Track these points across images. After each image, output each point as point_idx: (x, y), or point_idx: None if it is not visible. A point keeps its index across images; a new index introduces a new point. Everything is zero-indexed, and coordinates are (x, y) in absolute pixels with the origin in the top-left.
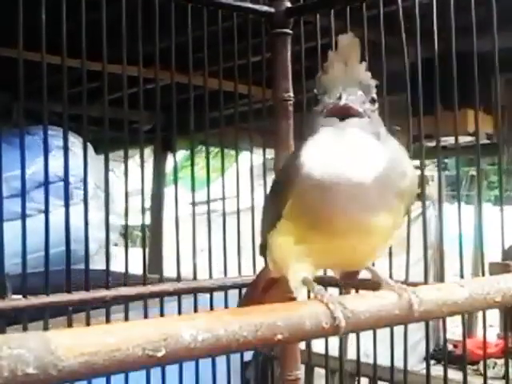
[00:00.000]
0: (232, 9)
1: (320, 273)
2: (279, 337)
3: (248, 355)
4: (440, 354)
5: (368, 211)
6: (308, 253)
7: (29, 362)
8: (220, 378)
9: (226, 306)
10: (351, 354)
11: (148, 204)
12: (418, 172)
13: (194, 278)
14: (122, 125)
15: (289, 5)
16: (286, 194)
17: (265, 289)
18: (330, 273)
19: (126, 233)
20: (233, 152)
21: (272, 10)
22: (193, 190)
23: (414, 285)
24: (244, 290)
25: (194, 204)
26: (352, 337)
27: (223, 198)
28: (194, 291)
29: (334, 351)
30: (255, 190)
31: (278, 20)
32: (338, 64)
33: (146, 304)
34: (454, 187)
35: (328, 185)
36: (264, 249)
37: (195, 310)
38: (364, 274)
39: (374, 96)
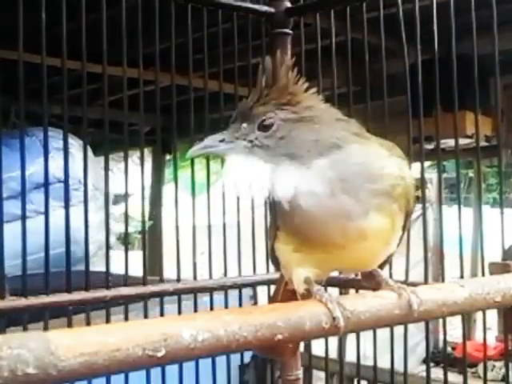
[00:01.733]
0: (232, 9)
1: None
2: (279, 337)
3: (246, 357)
4: (438, 357)
5: (350, 220)
6: (307, 260)
7: (29, 362)
8: (220, 378)
9: (226, 306)
10: (350, 357)
11: (147, 206)
12: (407, 172)
13: (194, 278)
14: (122, 127)
15: (289, 5)
16: (275, 212)
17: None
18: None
19: (126, 233)
20: None
21: (272, 9)
22: (193, 191)
23: (414, 285)
24: (244, 290)
25: (193, 206)
26: (351, 339)
27: (223, 200)
28: (194, 291)
29: (333, 353)
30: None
31: (278, 20)
32: (253, 92)
33: (146, 304)
34: (452, 189)
35: (297, 209)
36: (273, 254)
37: (195, 310)
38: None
39: (267, 122)
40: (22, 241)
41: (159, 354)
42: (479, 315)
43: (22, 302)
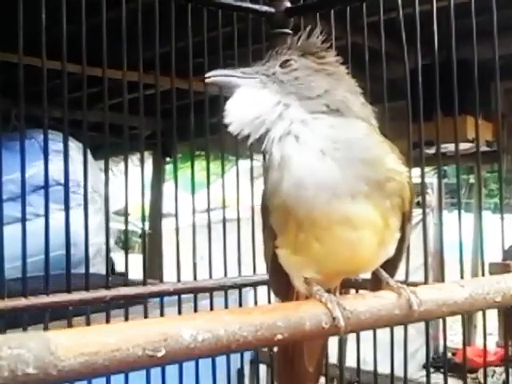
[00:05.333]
0: (232, 9)
1: None
2: (279, 337)
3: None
4: (439, 362)
5: (336, 197)
6: (307, 262)
7: (29, 362)
8: (220, 379)
9: (226, 306)
10: (350, 362)
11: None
12: (404, 170)
13: (194, 278)
14: (121, 130)
15: (289, 5)
16: (267, 205)
17: None
18: None
19: (125, 235)
20: (232, 157)
21: (272, 9)
22: (193, 193)
23: (414, 285)
24: (244, 290)
25: (193, 206)
26: (351, 343)
27: (223, 199)
28: (194, 291)
29: (332, 358)
30: (255, 192)
31: (278, 20)
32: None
33: (145, 304)
34: (452, 195)
35: (290, 184)
36: (272, 271)
37: (195, 310)
38: (364, 274)
39: (288, 58)
40: (22, 242)
41: (159, 354)
42: (479, 320)
43: (21, 301)
